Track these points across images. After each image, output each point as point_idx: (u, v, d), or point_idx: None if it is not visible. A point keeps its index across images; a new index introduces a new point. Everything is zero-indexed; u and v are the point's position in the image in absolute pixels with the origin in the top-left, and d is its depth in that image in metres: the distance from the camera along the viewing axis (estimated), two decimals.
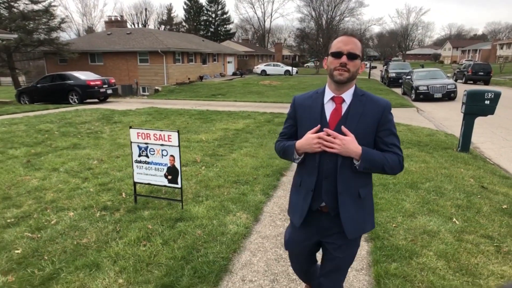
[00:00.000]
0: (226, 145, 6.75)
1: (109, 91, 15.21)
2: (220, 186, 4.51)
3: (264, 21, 75.11)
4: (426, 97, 15.58)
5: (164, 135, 3.66)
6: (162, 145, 3.70)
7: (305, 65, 64.11)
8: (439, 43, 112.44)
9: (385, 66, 29.91)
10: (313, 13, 66.25)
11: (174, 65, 25.68)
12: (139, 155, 3.83)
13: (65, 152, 6.23)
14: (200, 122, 9.39)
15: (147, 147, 3.78)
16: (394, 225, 3.50)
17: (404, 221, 3.60)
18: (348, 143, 1.53)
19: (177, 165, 3.70)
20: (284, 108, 12.27)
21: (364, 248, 3.15)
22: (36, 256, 2.95)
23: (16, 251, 3.02)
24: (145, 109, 11.80)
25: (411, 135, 7.83)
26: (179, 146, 3.65)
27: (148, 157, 3.80)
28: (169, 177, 3.77)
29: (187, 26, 71.44)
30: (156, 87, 22.40)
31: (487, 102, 6.24)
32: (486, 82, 25.07)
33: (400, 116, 10.93)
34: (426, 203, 4.03)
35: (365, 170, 1.58)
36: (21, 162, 5.67)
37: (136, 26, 67.11)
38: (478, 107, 6.30)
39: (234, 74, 38.89)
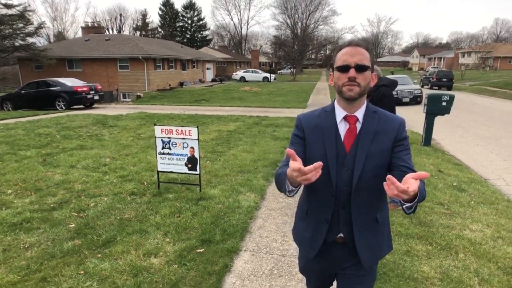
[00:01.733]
0: (223, 144, 7.55)
1: (96, 97, 15.59)
2: (227, 175, 5.32)
3: (241, 28, 76.45)
4: (396, 101, 16.98)
5: (185, 130, 4.44)
6: (183, 138, 4.47)
7: (279, 71, 65.60)
8: (408, 50, 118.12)
9: None
10: (289, 21, 68.36)
11: (155, 72, 26.12)
12: (162, 148, 4.58)
13: (75, 152, 6.81)
14: (193, 125, 10.09)
15: (170, 140, 4.53)
16: None
17: None
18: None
19: (196, 155, 4.48)
20: (268, 112, 13.20)
21: None
22: (89, 228, 3.64)
23: (71, 225, 3.69)
24: (136, 114, 12.37)
25: None
26: (198, 139, 4.44)
27: (170, 149, 4.56)
28: (189, 165, 4.54)
29: (162, 32, 71.53)
30: (138, 93, 22.78)
31: (444, 103, 7.41)
32: (449, 88, 27.16)
33: None
34: None
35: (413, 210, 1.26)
36: (38, 161, 6.22)
37: (111, 31, 66.48)
38: (436, 107, 7.45)
39: (213, 80, 39.60)
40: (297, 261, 3.08)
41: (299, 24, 66.43)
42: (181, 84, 30.76)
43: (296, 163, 1.18)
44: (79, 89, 14.75)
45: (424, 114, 7.72)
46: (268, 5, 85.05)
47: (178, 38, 68.06)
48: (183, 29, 72.20)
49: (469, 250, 3.21)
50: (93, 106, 16.16)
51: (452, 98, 7.40)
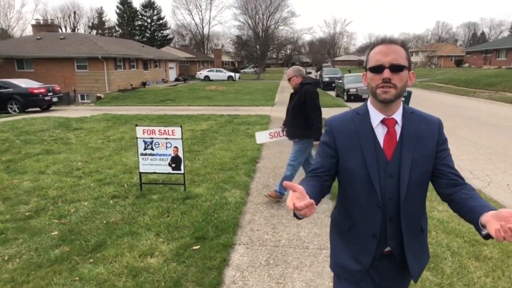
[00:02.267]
0: (198, 143, 7.50)
1: (55, 99, 14.74)
2: (209, 173, 5.32)
3: (203, 28, 75.45)
4: (356, 97, 17.74)
5: (168, 130, 4.40)
6: (166, 138, 4.42)
7: (242, 70, 65.77)
8: (361, 50, 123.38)
9: (319, 72, 32.66)
10: (250, 22, 68.68)
11: (116, 72, 25.17)
12: (145, 149, 4.50)
13: (41, 157, 6.44)
14: (163, 125, 9.91)
15: (152, 141, 4.46)
16: None
17: None
18: None
19: (180, 154, 4.46)
20: (238, 111, 13.25)
21: (330, 203, 4.24)
22: (75, 234, 3.50)
23: (53, 233, 3.53)
24: (100, 116, 11.88)
25: None
26: (181, 138, 4.41)
27: (153, 149, 4.49)
28: (173, 165, 4.50)
29: (120, 31, 68.89)
30: (98, 94, 21.83)
31: (402, 99, 7.87)
32: None
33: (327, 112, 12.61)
34: None
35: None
36: (0, 168, 5.82)
37: (64, 30, 62.88)
38: None
39: (176, 80, 38.88)
40: (290, 250, 3.22)
41: (260, 24, 66.94)
42: (144, 84, 29.90)
43: (291, 198, 1.04)
44: (35, 91, 13.85)
45: None
46: (229, 5, 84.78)
47: (137, 37, 65.90)
48: (143, 28, 70.04)
49: (439, 228, 3.53)
50: (51, 108, 15.26)
51: (409, 94, 7.87)
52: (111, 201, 4.32)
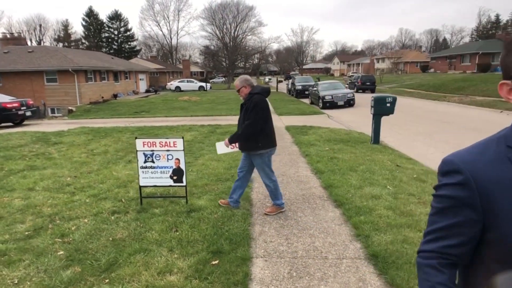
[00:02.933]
0: (187, 154, 7.40)
1: (28, 113, 14.00)
2: (207, 185, 5.27)
3: (171, 39, 74.77)
4: (331, 105, 18.26)
5: (169, 142, 4.33)
6: (168, 150, 4.35)
7: (211, 80, 65.84)
8: (328, 58, 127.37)
9: (291, 80, 33.26)
10: (217, 32, 68.96)
11: (87, 84, 24.37)
12: (145, 161, 4.40)
13: (27, 174, 6.11)
14: (146, 137, 9.70)
15: (153, 153, 4.38)
16: (350, 195, 4.79)
17: (355, 191, 4.92)
18: None
19: (182, 166, 4.40)
20: (218, 121, 13.22)
21: (336, 211, 4.34)
22: (82, 253, 3.36)
23: (59, 253, 3.36)
24: (78, 129, 11.43)
25: (334, 134, 9.58)
26: (183, 150, 4.36)
27: (153, 162, 4.40)
28: (175, 177, 4.43)
29: (87, 43, 66.98)
30: (70, 108, 21.01)
31: (388, 104, 8.24)
32: (373, 91, 29.90)
33: (317, 121, 12.91)
34: (366, 179, 5.46)
35: None
36: None
37: (30, 43, 60.18)
38: (382, 108, 8.26)
39: (147, 91, 38.16)
40: (309, 261, 3.26)
41: (228, 35, 67.34)
42: (115, 96, 29.13)
43: None
44: (8, 105, 13.10)
45: (368, 115, 8.50)
46: (197, 16, 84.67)
47: (104, 49, 64.28)
48: (110, 40, 68.47)
49: None
50: (24, 123, 14.48)
51: (395, 99, 8.27)
52: (112, 217, 4.17)
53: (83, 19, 67.19)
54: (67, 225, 3.98)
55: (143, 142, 4.37)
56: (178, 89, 38.75)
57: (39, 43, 66.59)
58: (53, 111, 23.16)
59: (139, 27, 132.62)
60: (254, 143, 3.99)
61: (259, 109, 3.89)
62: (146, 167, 4.42)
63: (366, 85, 29.95)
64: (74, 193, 5.07)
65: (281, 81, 44.12)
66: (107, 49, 66.35)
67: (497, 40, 48.07)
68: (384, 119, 8.48)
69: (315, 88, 20.63)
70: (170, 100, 25.71)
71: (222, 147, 4.39)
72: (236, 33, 68.17)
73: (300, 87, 26.77)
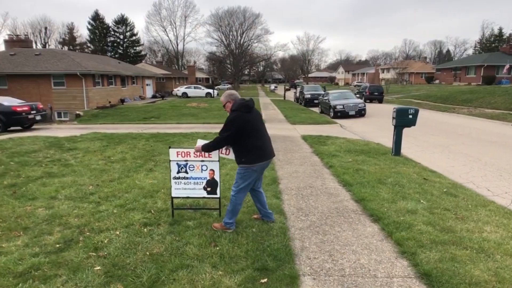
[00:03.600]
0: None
1: (38, 117, 13.94)
2: None
3: (177, 44, 75.26)
4: (343, 114, 18.17)
5: (204, 152, 4.21)
6: (202, 161, 4.23)
7: (216, 87, 66.35)
8: (332, 67, 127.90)
9: (299, 88, 33.26)
10: (224, 38, 69.44)
11: (95, 88, 24.39)
12: (178, 172, 4.27)
13: (47, 181, 5.99)
14: (161, 144, 9.60)
15: (187, 164, 4.25)
16: (385, 209, 4.65)
17: (390, 205, 4.78)
18: None
19: (217, 177, 4.27)
20: None
21: (374, 226, 4.19)
22: (120, 268, 3.21)
23: (96, 268, 3.22)
24: (91, 135, 11.34)
25: (353, 145, 9.45)
26: (219, 160, 4.24)
27: (187, 173, 4.27)
28: (208, 189, 4.30)
29: (92, 47, 67.43)
30: (77, 112, 20.97)
31: (410, 116, 8.12)
32: (380, 101, 29.86)
33: (331, 131, 12.79)
34: (397, 193, 5.32)
35: None
36: (4, 193, 5.34)
37: (35, 46, 60.57)
38: (404, 120, 8.14)
39: (154, 96, 38.21)
40: (359, 279, 3.11)
41: (234, 41, 67.84)
42: (122, 101, 29.14)
43: None
44: (18, 109, 13.05)
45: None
46: (203, 22, 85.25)
47: (109, 54, 64.70)
48: (115, 44, 68.96)
49: (500, 250, 3.53)
50: (32, 127, 14.42)
51: (417, 111, 8.16)
52: (145, 229, 4.03)
53: (89, 23, 67.80)
54: (99, 237, 3.84)
55: (177, 152, 4.24)
56: (185, 95, 38.79)
57: (44, 46, 67.01)
58: (59, 115, 23.13)
59: (145, 32, 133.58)
60: (237, 158, 3.87)
61: (231, 126, 3.71)
62: (179, 178, 4.29)
63: (374, 95, 29.90)
64: (100, 203, 4.93)
65: (288, 89, 44.04)
66: (112, 53, 66.76)
67: (501, 53, 48.21)
68: (391, 127, 8.35)
69: (326, 98, 20.55)
70: (179, 106, 25.66)
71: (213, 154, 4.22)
72: (242, 40, 68.80)
73: (309, 96, 26.71)
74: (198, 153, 4.15)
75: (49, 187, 5.61)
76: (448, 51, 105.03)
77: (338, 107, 18.33)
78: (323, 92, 27.81)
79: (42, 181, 5.98)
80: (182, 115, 20.41)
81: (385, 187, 5.60)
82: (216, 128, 13.08)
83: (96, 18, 67.77)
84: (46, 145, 9.42)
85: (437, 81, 55.08)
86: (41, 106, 14.52)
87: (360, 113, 18.46)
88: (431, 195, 5.23)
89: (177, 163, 4.26)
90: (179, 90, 40.15)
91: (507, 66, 40.59)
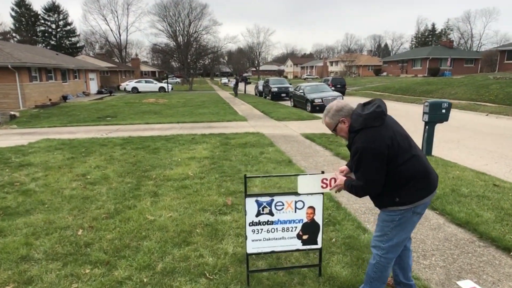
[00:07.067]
0: (226, 177, 5.62)
1: None
2: None
3: (120, 35, 69.47)
4: (322, 108, 17.21)
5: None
6: (296, 194, 2.67)
7: (163, 81, 63.01)
8: (278, 60, 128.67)
9: (261, 82, 32.04)
10: (170, 29, 65.38)
11: (32, 84, 20.70)
12: (258, 214, 2.66)
13: (3, 226, 3.91)
14: (144, 152, 7.65)
15: (272, 201, 2.66)
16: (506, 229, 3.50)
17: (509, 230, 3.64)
18: None
19: (318, 219, 2.74)
20: (215, 128, 11.39)
21: None
22: None
23: None
24: (43, 143, 8.86)
25: None
26: (323, 193, 2.71)
27: (272, 214, 2.68)
28: (305, 236, 2.75)
29: (18, 37, 59.63)
30: (12, 112, 17.42)
31: (443, 111, 7.20)
32: (343, 93, 29.71)
33: (316, 127, 11.66)
34: (494, 208, 4.22)
35: None
36: None
37: None
38: (437, 115, 7.20)
39: (99, 92, 34.37)
40: None
41: (181, 33, 64.15)
42: (64, 98, 25.44)
43: None
44: None
45: (423, 122, 7.41)
46: (147, 12, 79.17)
47: (40, 45, 57.65)
48: (46, 34, 61.70)
49: None
50: None
51: (450, 105, 7.25)
52: None
53: (12, 9, 59.84)
54: None
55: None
56: (135, 90, 35.43)
57: None
58: None
59: (83, 21, 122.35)
60: (385, 197, 2.31)
61: (369, 158, 2.19)
62: (259, 223, 2.68)
63: (337, 87, 29.64)
64: (110, 264, 3.11)
65: (249, 83, 42.53)
66: (44, 44, 59.74)
67: (442, 47, 51.62)
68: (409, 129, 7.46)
69: (301, 91, 19.47)
70: (134, 103, 22.90)
71: (307, 183, 2.62)
72: (190, 31, 65.40)
73: (276, 89, 25.55)
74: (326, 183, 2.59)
75: (11, 238, 3.59)
76: (386, 45, 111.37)
77: (316, 100, 17.35)
78: (289, 85, 26.96)
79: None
80: (142, 113, 17.96)
81: (473, 202, 4.49)
82: (197, 129, 11.23)
83: (21, 3, 59.90)
84: None
85: (384, 74, 57.43)
86: None
87: None
88: None
89: (256, 201, 2.65)
90: (128, 84, 36.61)
91: (449, 59, 43.34)
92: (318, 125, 12.38)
